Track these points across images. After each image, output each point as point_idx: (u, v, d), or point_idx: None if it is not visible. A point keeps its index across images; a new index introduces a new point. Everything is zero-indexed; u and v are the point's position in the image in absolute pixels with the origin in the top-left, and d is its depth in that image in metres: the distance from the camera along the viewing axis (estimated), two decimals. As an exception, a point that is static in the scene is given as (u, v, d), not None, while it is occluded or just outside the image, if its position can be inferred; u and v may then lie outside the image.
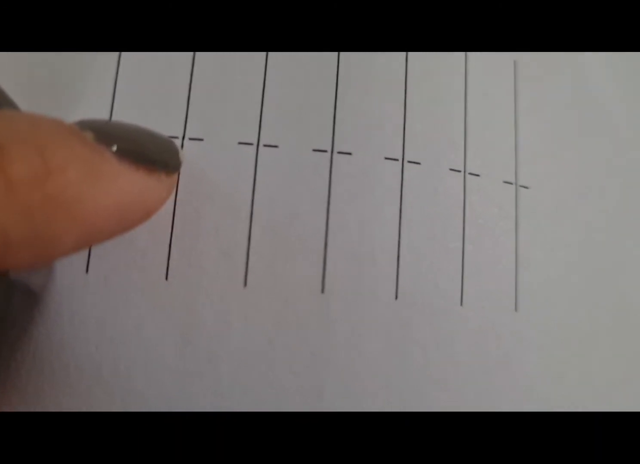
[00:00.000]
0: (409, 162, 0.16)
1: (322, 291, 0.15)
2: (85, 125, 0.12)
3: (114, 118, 0.16)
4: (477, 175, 0.17)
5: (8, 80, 0.15)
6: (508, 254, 0.17)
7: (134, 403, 0.14)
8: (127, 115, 0.16)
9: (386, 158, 0.16)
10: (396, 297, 0.15)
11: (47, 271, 0.15)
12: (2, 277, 0.13)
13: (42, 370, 0.15)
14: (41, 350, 0.15)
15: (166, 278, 0.15)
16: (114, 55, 0.16)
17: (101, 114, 0.16)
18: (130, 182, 0.12)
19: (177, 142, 0.16)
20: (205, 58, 0.16)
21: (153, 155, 0.13)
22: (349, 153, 0.16)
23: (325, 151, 0.16)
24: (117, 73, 0.16)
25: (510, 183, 0.17)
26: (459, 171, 0.16)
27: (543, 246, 0.17)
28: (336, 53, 0.16)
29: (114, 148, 0.12)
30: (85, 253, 0.15)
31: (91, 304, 0.15)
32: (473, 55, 0.17)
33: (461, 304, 0.16)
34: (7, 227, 0.10)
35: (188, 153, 0.15)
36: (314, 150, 0.16)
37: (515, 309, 0.16)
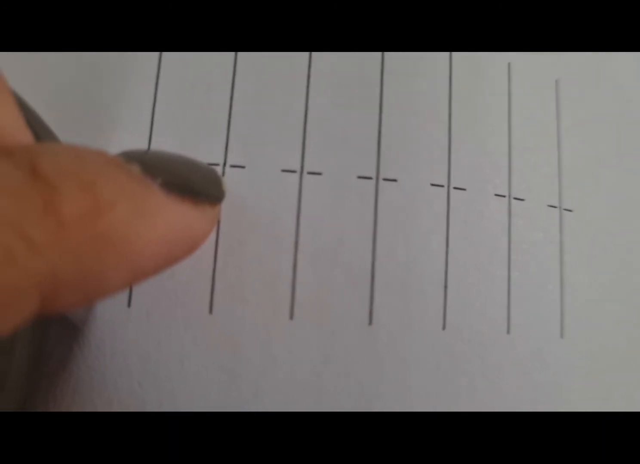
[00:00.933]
0: (455, 188, 0.16)
1: (370, 323, 0.15)
2: (131, 157, 0.12)
3: (152, 144, 0.15)
4: (522, 200, 0.16)
5: (44, 105, 0.14)
6: (553, 279, 0.16)
7: None
8: (166, 141, 0.15)
9: (432, 185, 0.16)
10: (444, 328, 0.15)
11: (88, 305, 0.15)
12: None
13: (82, 406, 0.14)
14: (82, 386, 0.14)
15: (210, 312, 0.15)
16: (152, 78, 0.16)
17: (139, 140, 0.15)
18: (176, 216, 0.12)
19: (218, 169, 0.15)
20: (245, 81, 0.16)
21: (198, 186, 0.13)
22: (395, 180, 0.15)
23: (370, 178, 0.15)
24: (155, 97, 0.16)
25: (555, 207, 0.17)
26: (504, 196, 0.16)
27: (587, 270, 0.17)
28: (379, 75, 0.16)
29: (160, 181, 0.12)
30: (126, 286, 0.15)
31: (133, 339, 0.14)
32: (516, 76, 0.17)
33: (508, 332, 0.16)
34: (58, 269, 0.10)
35: (229, 181, 0.15)
36: (359, 177, 0.15)
37: (561, 335, 0.16)
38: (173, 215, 0.12)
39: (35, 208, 0.10)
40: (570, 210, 0.17)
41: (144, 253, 0.11)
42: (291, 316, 0.15)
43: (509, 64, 0.17)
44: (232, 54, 0.16)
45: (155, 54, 0.16)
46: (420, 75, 0.16)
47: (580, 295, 0.16)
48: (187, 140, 0.15)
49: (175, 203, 0.12)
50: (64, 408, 0.14)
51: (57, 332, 0.14)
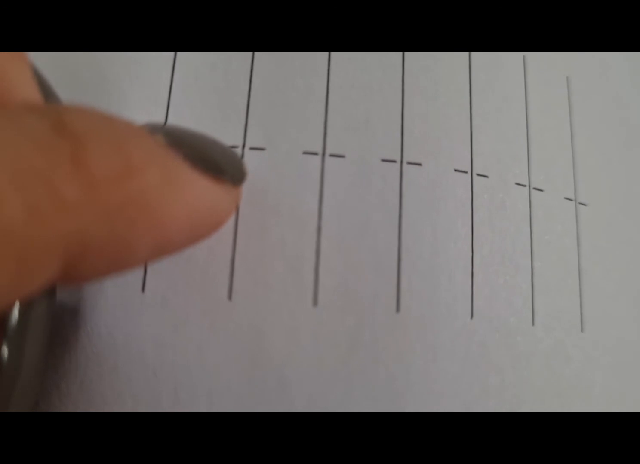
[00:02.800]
0: (478, 174, 0.15)
1: (397, 310, 0.14)
2: (155, 129, 0.11)
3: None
4: (541, 190, 0.16)
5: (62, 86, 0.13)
6: (573, 272, 0.16)
7: None
8: (183, 123, 0.15)
9: (456, 170, 0.15)
10: (471, 316, 0.15)
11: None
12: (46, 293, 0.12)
13: (91, 401, 0.13)
14: (90, 377, 0.13)
15: (229, 298, 0.14)
16: (168, 58, 0.15)
17: (156, 121, 0.15)
18: (202, 191, 0.11)
19: (237, 152, 0.15)
20: (264, 60, 0.15)
21: (221, 164, 0.12)
22: (419, 164, 0.15)
23: (394, 161, 0.15)
24: (172, 78, 0.15)
25: (571, 200, 0.16)
26: (525, 186, 0.16)
27: (604, 264, 0.17)
28: (400, 55, 0.16)
29: (183, 153, 0.11)
30: (140, 270, 0.14)
31: (148, 326, 0.13)
32: (531, 66, 0.17)
33: (533, 323, 0.15)
34: (87, 228, 0.09)
35: (249, 164, 0.14)
36: (383, 160, 0.15)
37: (582, 329, 0.16)
38: (199, 189, 0.11)
39: (63, 163, 0.09)
40: (584, 204, 0.17)
41: (171, 225, 0.11)
42: (315, 303, 0.14)
43: (524, 57, 0.17)
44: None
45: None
46: (440, 64, 0.16)
47: (599, 289, 0.16)
48: (205, 121, 0.15)
49: (200, 177, 0.11)
50: (70, 404, 0.13)
51: (61, 319, 0.13)
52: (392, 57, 0.16)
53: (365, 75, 0.15)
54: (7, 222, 0.08)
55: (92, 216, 0.09)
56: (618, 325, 0.16)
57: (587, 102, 0.18)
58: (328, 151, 0.15)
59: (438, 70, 0.16)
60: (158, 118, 0.15)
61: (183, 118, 0.15)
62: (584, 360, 0.16)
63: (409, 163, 0.15)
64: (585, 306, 0.16)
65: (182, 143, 0.11)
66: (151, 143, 0.11)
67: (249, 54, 0.15)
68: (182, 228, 0.11)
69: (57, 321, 0.13)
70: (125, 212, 0.10)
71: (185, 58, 0.15)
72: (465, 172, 0.15)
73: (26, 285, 0.09)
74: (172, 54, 0.15)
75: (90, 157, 0.09)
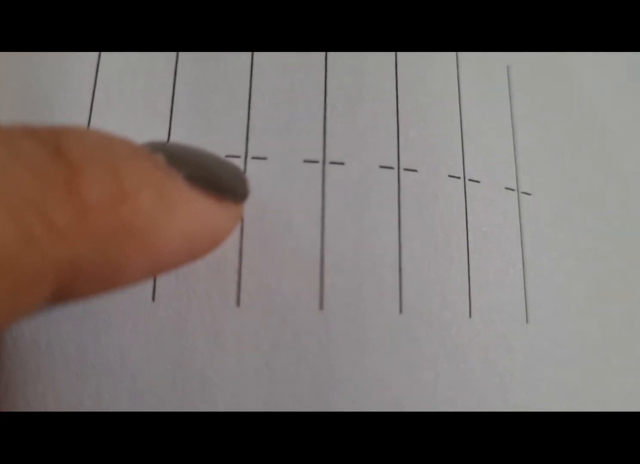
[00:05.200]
0: (405, 169, 0.15)
1: (321, 307, 0.14)
2: (156, 147, 0.11)
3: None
4: (478, 182, 0.16)
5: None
6: (515, 263, 0.16)
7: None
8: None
9: (381, 167, 0.15)
10: (400, 311, 0.14)
11: None
12: None
13: (14, 403, 0.13)
14: (14, 380, 0.14)
15: (153, 299, 0.14)
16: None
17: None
18: (200, 210, 0.11)
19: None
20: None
21: (222, 182, 0.12)
22: (342, 163, 0.15)
23: (316, 161, 0.15)
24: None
25: (512, 190, 0.16)
26: (459, 177, 0.16)
27: (549, 255, 0.16)
28: (323, 57, 0.16)
29: (184, 173, 0.11)
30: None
31: (70, 329, 0.14)
32: (464, 61, 0.17)
33: (470, 316, 0.15)
34: (78, 255, 0.09)
35: None
36: (305, 161, 0.15)
37: (526, 321, 0.15)
38: (196, 209, 0.11)
39: (58, 190, 0.09)
40: (528, 194, 0.16)
41: (165, 247, 0.11)
42: (238, 303, 0.14)
43: (456, 54, 0.17)
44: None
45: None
46: (366, 61, 0.16)
47: (544, 280, 0.16)
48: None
49: (199, 197, 0.11)
50: None
51: None
52: (316, 57, 0.16)
53: (287, 77, 0.16)
54: (0, 247, 0.08)
55: (83, 242, 0.09)
56: (566, 316, 0.16)
57: (529, 93, 0.17)
58: (250, 154, 0.15)
59: (363, 73, 0.16)
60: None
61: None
62: (529, 353, 0.15)
63: (331, 162, 0.15)
64: (530, 298, 0.16)
65: (184, 162, 0.11)
66: (148, 164, 0.11)
67: (173, 54, 0.16)
68: (177, 249, 0.11)
69: None
70: (116, 237, 0.10)
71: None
72: (392, 168, 0.15)
73: (20, 308, 0.09)
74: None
75: (83, 182, 0.09)
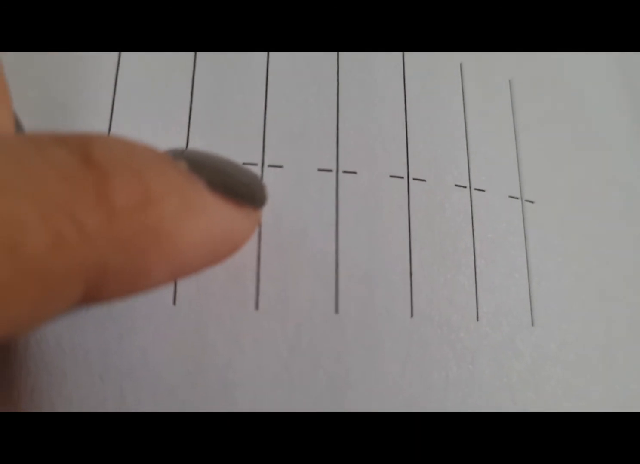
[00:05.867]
0: (414, 179, 0.16)
1: (336, 311, 0.15)
2: (178, 154, 0.12)
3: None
4: (483, 191, 0.16)
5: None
6: (520, 268, 0.16)
7: None
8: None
9: (391, 176, 0.16)
10: (412, 315, 0.15)
11: None
12: None
13: (40, 406, 0.14)
14: (40, 384, 0.14)
15: (174, 303, 0.14)
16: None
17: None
18: (220, 216, 0.12)
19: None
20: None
21: (242, 188, 0.12)
22: (354, 172, 0.16)
23: (330, 170, 0.16)
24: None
25: (516, 198, 0.17)
26: (465, 187, 0.16)
27: (553, 260, 0.17)
28: (336, 72, 0.16)
29: (205, 179, 0.11)
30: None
31: (94, 333, 0.14)
32: (468, 75, 0.17)
33: (477, 319, 0.15)
34: (106, 258, 0.10)
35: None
36: (319, 170, 0.16)
37: (532, 323, 0.16)
38: (217, 214, 0.12)
39: (88, 195, 0.09)
40: (531, 202, 0.17)
41: (187, 251, 0.11)
42: (257, 307, 0.15)
43: (460, 64, 0.17)
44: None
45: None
46: (376, 75, 0.17)
47: (549, 284, 0.16)
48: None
49: (220, 203, 0.12)
50: (21, 408, 0.14)
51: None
52: (329, 72, 0.16)
53: (302, 90, 0.16)
54: (32, 250, 0.09)
55: (111, 245, 0.10)
56: (571, 319, 0.16)
57: (531, 104, 0.18)
58: (267, 162, 0.16)
59: (372, 81, 0.17)
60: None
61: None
62: (536, 354, 0.16)
63: (344, 172, 0.16)
64: (535, 302, 0.16)
65: (204, 168, 0.12)
66: (172, 170, 0.11)
67: (190, 64, 0.16)
68: (199, 253, 0.11)
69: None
70: (142, 241, 0.10)
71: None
72: (402, 178, 0.16)
73: (49, 311, 0.10)
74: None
75: (112, 187, 0.10)
